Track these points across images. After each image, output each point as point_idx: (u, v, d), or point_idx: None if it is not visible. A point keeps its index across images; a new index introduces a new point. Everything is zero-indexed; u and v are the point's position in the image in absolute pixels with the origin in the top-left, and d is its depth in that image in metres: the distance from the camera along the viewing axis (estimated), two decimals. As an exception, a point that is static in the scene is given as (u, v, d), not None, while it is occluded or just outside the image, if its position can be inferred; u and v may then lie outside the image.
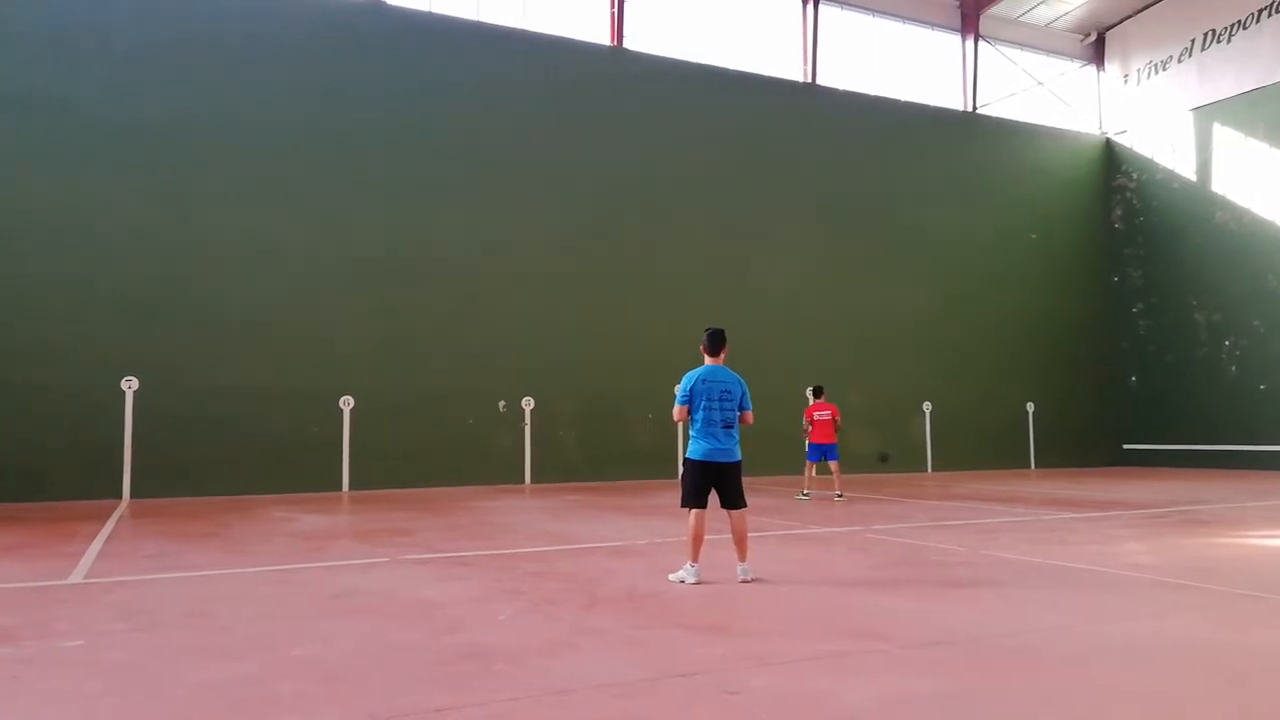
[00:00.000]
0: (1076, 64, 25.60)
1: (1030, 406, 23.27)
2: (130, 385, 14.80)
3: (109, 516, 11.70)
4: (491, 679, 4.14)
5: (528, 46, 18.66)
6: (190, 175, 15.64)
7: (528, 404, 17.73)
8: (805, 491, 14.04)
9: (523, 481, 17.56)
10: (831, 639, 4.92)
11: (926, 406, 21.87)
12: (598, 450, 18.23)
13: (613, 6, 19.70)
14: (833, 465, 13.98)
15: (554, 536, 9.54)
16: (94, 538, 9.41)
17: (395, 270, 16.94)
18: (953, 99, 23.68)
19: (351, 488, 16.05)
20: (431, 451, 16.74)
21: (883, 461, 20.84)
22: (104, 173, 15.06)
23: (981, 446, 22.24)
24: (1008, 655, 4.65)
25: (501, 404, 17.55)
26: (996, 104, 24.18)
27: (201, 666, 4.36)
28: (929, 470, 21.67)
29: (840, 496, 13.77)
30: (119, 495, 14.43)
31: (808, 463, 14.33)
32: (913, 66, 23.31)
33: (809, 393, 14.66)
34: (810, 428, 14.13)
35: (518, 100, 18.41)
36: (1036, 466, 23.05)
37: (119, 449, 14.62)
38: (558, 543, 9.01)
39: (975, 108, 23.75)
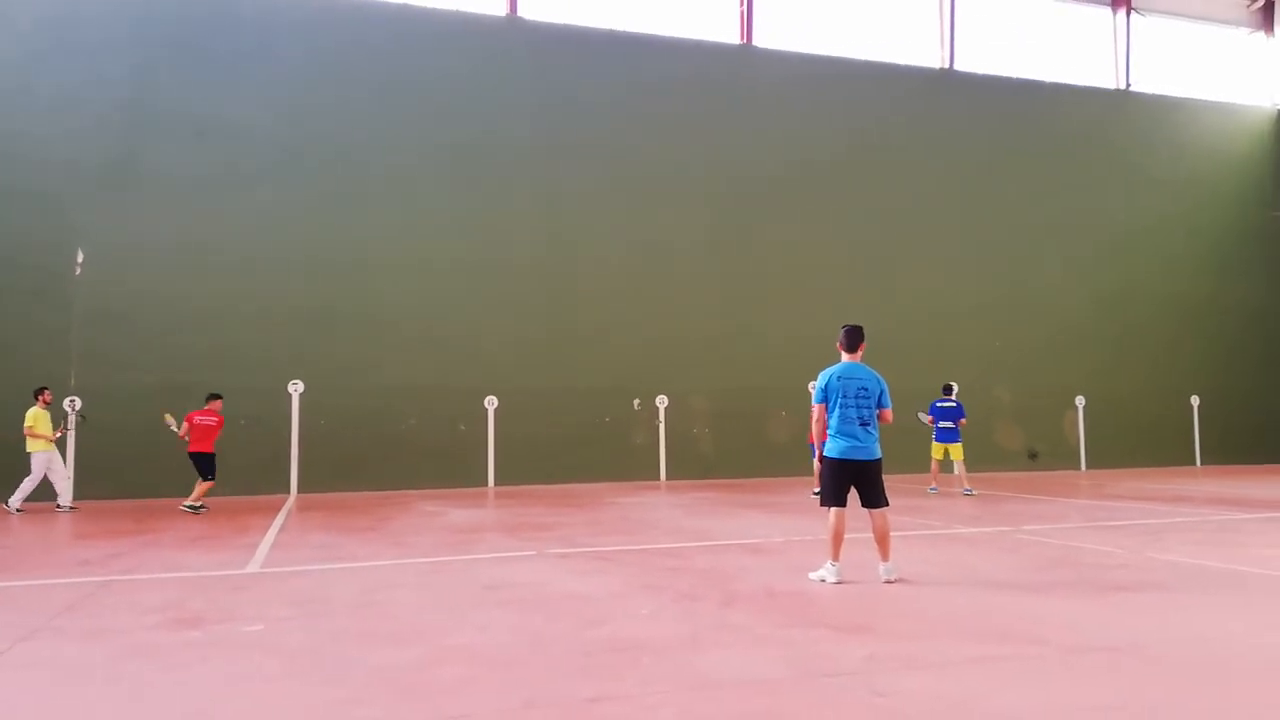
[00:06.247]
0: (1243, 31, 23.73)
1: (1195, 400, 21.75)
2: (296, 388, 15.85)
3: (279, 510, 12.59)
4: (639, 671, 4.25)
5: (655, 50, 18.85)
6: (352, 191, 16.60)
7: (661, 402, 17.91)
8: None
9: (658, 478, 17.77)
10: (984, 643, 4.78)
11: (1079, 400, 20.78)
12: (733, 448, 18.23)
13: (741, 5, 19.62)
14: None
15: (690, 533, 9.62)
16: (267, 530, 10.18)
17: (540, 275, 17.46)
18: (1104, 78, 22.38)
19: (496, 483, 16.65)
20: (570, 449, 17.15)
21: (1032, 459, 20.02)
22: (277, 192, 16.19)
23: (1140, 442, 20.94)
24: (1178, 665, 4.41)
25: (636, 402, 17.80)
26: (1152, 80, 22.69)
27: (370, 652, 4.66)
28: (1082, 468, 20.57)
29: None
30: (287, 490, 15.48)
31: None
32: (1059, 46, 22.16)
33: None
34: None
35: (652, 105, 18.61)
36: (1202, 464, 21.52)
37: (287, 447, 15.69)
38: (694, 539, 9.09)
39: (1129, 85, 22.37)
